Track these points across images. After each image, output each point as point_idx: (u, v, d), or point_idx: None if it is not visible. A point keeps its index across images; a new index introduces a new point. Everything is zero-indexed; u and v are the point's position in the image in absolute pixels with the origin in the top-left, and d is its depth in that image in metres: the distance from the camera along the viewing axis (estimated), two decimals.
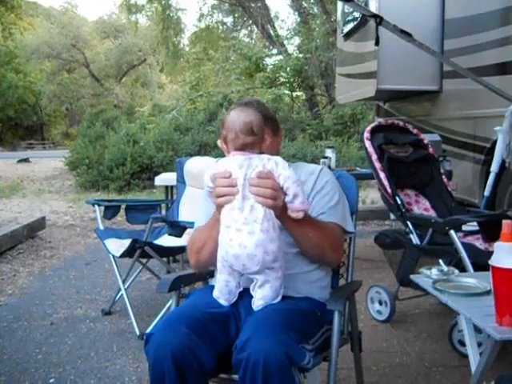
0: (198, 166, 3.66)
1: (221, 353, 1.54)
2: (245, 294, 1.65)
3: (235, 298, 1.66)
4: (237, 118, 1.63)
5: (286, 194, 1.56)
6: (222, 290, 1.64)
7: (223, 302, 1.66)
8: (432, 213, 3.29)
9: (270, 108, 2.00)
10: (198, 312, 1.61)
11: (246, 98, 2.04)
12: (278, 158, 1.59)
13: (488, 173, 3.56)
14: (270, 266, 1.55)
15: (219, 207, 1.58)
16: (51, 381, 2.49)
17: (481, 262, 2.21)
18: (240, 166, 1.56)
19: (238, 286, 1.64)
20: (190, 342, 1.49)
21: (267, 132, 1.75)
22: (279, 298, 1.62)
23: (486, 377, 1.49)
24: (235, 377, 1.49)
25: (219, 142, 1.69)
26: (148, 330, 1.61)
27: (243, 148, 1.59)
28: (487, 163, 3.81)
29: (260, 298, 1.60)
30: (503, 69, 3.80)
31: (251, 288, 1.61)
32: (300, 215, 1.58)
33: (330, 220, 1.75)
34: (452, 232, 2.58)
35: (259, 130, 1.63)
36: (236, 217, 1.53)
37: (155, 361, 1.49)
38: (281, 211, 1.57)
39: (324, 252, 1.73)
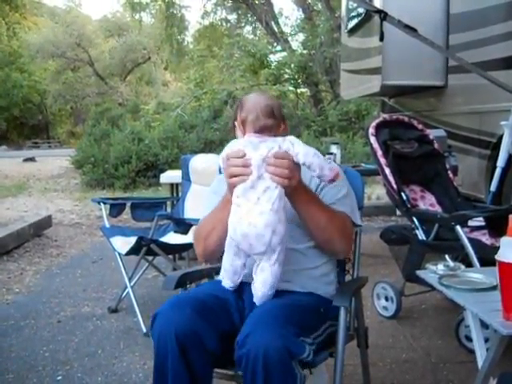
0: (202, 164, 3.66)
1: (224, 335, 1.56)
2: (248, 289, 1.65)
3: (240, 279, 1.66)
4: (258, 100, 1.64)
5: (310, 170, 1.56)
6: (228, 270, 1.66)
7: (228, 282, 1.67)
8: (438, 208, 3.28)
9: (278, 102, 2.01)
10: (204, 294, 1.65)
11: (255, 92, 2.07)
12: (292, 138, 1.59)
13: (494, 168, 3.54)
14: (274, 248, 1.55)
15: (231, 187, 1.57)
16: (59, 378, 2.50)
17: (487, 257, 2.20)
18: (255, 146, 1.55)
19: (243, 267, 1.64)
20: (194, 323, 1.52)
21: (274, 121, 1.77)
22: (274, 289, 1.61)
23: (492, 372, 1.48)
24: (241, 373, 1.50)
25: (236, 123, 1.68)
26: (155, 311, 1.62)
27: (262, 130, 1.60)
28: (493, 158, 3.79)
29: (260, 281, 1.59)
30: (509, 63, 3.77)
31: (253, 271, 1.62)
32: (336, 180, 1.60)
33: (340, 209, 1.75)
34: (458, 227, 2.57)
35: (279, 114, 1.65)
36: (249, 196, 1.54)
37: (159, 340, 1.52)
38: (293, 191, 1.58)
39: (332, 238, 1.71)
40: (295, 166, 1.55)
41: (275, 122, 1.63)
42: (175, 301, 1.62)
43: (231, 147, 1.59)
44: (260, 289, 1.60)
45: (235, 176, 1.55)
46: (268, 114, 1.61)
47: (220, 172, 1.75)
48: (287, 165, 1.53)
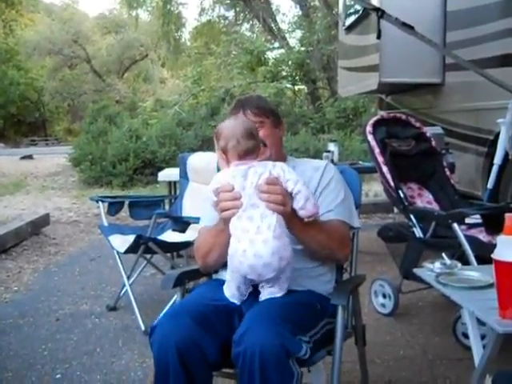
0: (200, 162, 3.66)
1: (224, 345, 1.55)
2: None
3: (246, 297, 1.67)
4: (235, 125, 1.62)
5: (295, 199, 1.55)
6: (234, 295, 1.65)
7: (235, 301, 1.66)
8: (435, 206, 3.30)
9: (270, 101, 2.01)
10: (202, 304, 1.63)
11: (248, 94, 2.03)
12: (283, 164, 1.59)
13: (491, 165, 3.56)
14: (284, 270, 1.56)
15: (225, 220, 1.58)
16: (58, 376, 2.51)
17: (484, 254, 2.19)
18: (244, 175, 1.55)
19: (248, 288, 1.65)
20: (194, 334, 1.50)
21: (267, 124, 1.79)
22: (284, 292, 1.62)
23: (489, 370, 1.49)
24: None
25: (217, 155, 1.66)
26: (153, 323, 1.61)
27: (246, 154, 1.58)
28: (490, 156, 3.80)
29: (267, 293, 1.62)
30: (506, 61, 3.78)
31: (259, 286, 1.62)
32: (313, 218, 1.58)
33: (337, 218, 1.76)
34: (455, 225, 2.58)
35: (257, 134, 1.64)
36: (247, 227, 1.52)
37: (159, 352, 1.51)
38: (288, 217, 1.57)
39: (333, 252, 1.75)
40: (286, 192, 1.55)
41: (256, 144, 1.62)
42: (174, 312, 1.62)
43: (220, 180, 1.58)
44: (266, 297, 1.62)
45: (227, 210, 1.55)
46: (248, 137, 1.59)
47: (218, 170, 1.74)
48: (280, 190, 1.53)
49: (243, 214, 1.53)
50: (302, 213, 1.57)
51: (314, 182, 1.80)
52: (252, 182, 1.54)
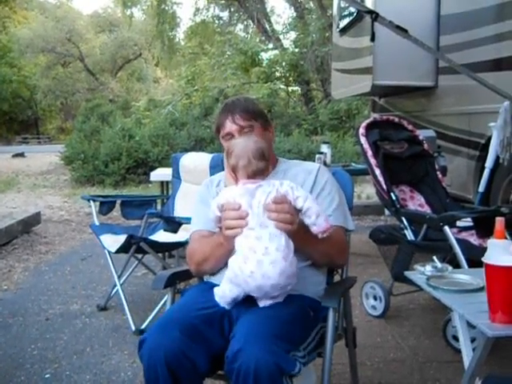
0: (193, 162, 3.65)
1: (216, 353, 1.54)
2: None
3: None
4: (247, 144, 1.61)
5: (305, 215, 1.55)
6: (228, 303, 1.63)
7: (225, 306, 1.64)
8: (427, 209, 3.31)
9: (258, 103, 2.01)
10: (191, 314, 1.60)
11: (236, 96, 2.00)
12: (289, 181, 1.59)
13: (482, 169, 3.58)
14: (289, 285, 1.57)
15: (228, 238, 1.57)
16: (47, 376, 2.49)
17: (475, 257, 2.22)
18: (252, 194, 1.54)
19: (243, 297, 1.63)
20: (183, 345, 1.49)
21: (257, 127, 1.78)
22: (281, 300, 1.61)
23: (478, 372, 1.50)
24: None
25: (226, 172, 1.65)
26: (141, 336, 1.60)
27: (255, 174, 1.57)
28: (482, 159, 3.82)
29: (264, 303, 1.60)
30: (498, 65, 3.81)
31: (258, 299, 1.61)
32: (327, 234, 1.57)
33: (335, 224, 1.74)
34: (446, 228, 2.59)
35: (268, 154, 1.62)
36: (254, 247, 1.51)
37: (149, 365, 1.50)
38: (293, 234, 1.56)
39: (332, 259, 1.78)
40: (294, 210, 1.55)
41: (267, 164, 1.61)
42: (162, 324, 1.59)
43: (227, 197, 1.57)
44: (263, 305, 1.61)
45: (231, 228, 1.54)
46: (259, 157, 1.58)
47: (211, 174, 1.74)
48: (288, 209, 1.53)
49: (251, 233, 1.52)
50: (314, 229, 1.56)
51: (307, 186, 1.79)
52: (260, 201, 1.53)
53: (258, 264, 1.50)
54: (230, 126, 1.80)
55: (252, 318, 1.55)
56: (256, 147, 1.59)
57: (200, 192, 1.92)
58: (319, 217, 1.55)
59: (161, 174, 4.76)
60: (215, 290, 1.66)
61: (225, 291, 1.62)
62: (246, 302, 1.62)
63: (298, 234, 1.57)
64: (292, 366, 1.45)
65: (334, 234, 1.71)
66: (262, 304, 1.60)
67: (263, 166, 1.59)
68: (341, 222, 1.80)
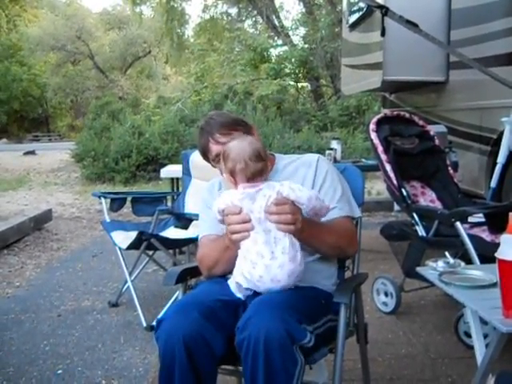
0: (203, 159, 3.65)
1: (231, 338, 1.54)
2: None
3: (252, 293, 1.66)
4: (242, 147, 1.60)
5: (310, 213, 1.58)
6: (244, 293, 1.63)
7: (240, 296, 1.65)
8: (438, 204, 3.29)
9: (231, 112, 2.01)
10: (209, 298, 1.62)
11: (207, 115, 1.99)
12: (289, 183, 1.58)
13: (494, 164, 3.54)
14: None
15: (234, 242, 1.57)
16: (59, 372, 2.51)
17: (487, 253, 2.20)
18: (252, 198, 1.54)
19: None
20: (202, 328, 1.50)
21: (238, 135, 1.75)
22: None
23: (491, 369, 1.49)
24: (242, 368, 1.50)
25: (225, 177, 1.64)
26: (159, 316, 1.61)
27: (254, 176, 1.57)
28: (494, 154, 3.79)
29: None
30: (510, 59, 3.76)
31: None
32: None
33: (341, 214, 1.76)
34: (458, 224, 2.57)
35: (265, 154, 1.62)
36: (262, 251, 1.52)
37: (166, 345, 1.50)
38: (299, 232, 1.56)
39: (342, 249, 1.78)
40: (296, 208, 1.54)
41: (265, 164, 1.60)
42: (181, 306, 1.61)
43: (226, 202, 1.56)
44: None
45: (237, 233, 1.54)
46: (256, 159, 1.57)
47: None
48: (289, 210, 1.52)
49: (258, 237, 1.52)
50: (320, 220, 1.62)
51: (309, 180, 1.78)
52: (261, 205, 1.53)
53: (266, 269, 1.52)
54: (215, 148, 1.80)
55: (264, 296, 1.57)
56: (251, 149, 1.58)
57: (203, 197, 1.92)
58: (322, 209, 1.59)
59: (171, 170, 4.77)
60: (229, 281, 1.67)
61: (237, 284, 1.63)
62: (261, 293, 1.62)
63: (303, 230, 1.57)
64: (303, 335, 1.45)
65: (342, 225, 1.71)
66: None
67: (261, 167, 1.58)
68: (346, 211, 1.79)
